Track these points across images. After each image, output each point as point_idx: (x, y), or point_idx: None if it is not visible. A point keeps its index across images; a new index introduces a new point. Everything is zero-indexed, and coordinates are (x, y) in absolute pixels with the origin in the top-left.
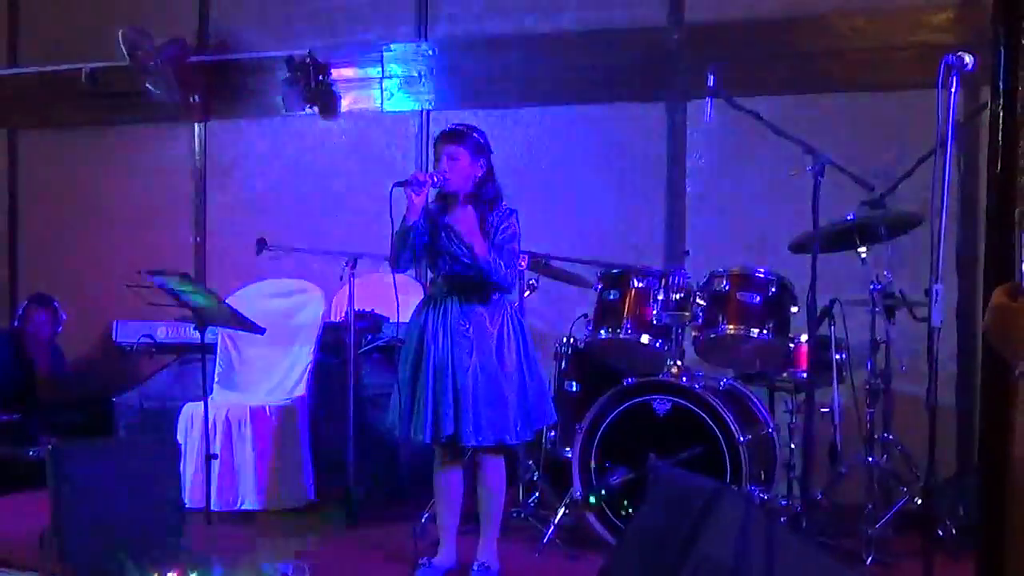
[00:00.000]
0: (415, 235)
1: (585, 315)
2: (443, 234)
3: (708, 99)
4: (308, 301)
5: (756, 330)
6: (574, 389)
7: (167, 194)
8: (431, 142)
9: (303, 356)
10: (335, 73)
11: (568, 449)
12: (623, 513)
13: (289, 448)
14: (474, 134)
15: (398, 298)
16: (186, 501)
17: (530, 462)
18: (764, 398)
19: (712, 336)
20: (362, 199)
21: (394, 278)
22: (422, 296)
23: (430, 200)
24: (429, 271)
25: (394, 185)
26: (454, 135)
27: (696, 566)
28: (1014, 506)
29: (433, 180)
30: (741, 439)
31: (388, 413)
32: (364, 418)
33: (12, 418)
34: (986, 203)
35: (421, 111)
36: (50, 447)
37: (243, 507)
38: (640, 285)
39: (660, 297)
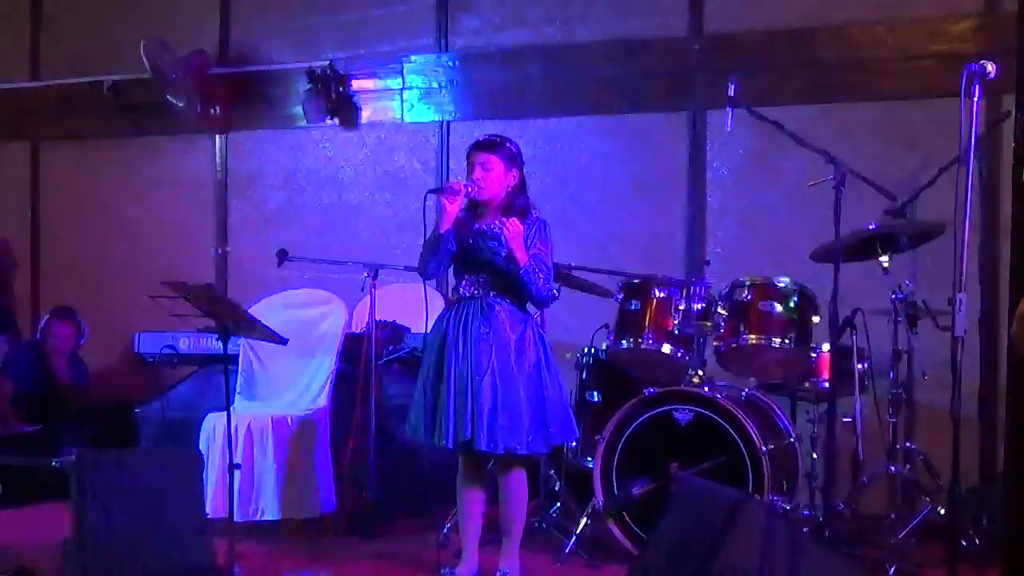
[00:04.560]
0: (445, 243)
1: (606, 325)
2: (471, 241)
3: (728, 109)
4: (330, 312)
5: (778, 340)
6: (595, 399)
7: (189, 206)
8: (451, 153)
9: (325, 366)
10: (356, 84)
11: (590, 459)
12: (645, 523)
13: (310, 458)
14: (508, 144)
15: (427, 307)
16: (208, 511)
17: (552, 472)
18: (786, 408)
19: (734, 346)
20: (383, 210)
21: (424, 287)
22: (444, 306)
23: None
24: (452, 279)
25: (428, 192)
26: (488, 144)
27: None
28: None
29: (467, 190)
30: (763, 449)
31: (408, 420)
32: (385, 428)
33: (35, 429)
34: (1010, 211)
35: (441, 122)
36: (73, 457)
37: (264, 517)
38: (661, 295)
39: (681, 307)
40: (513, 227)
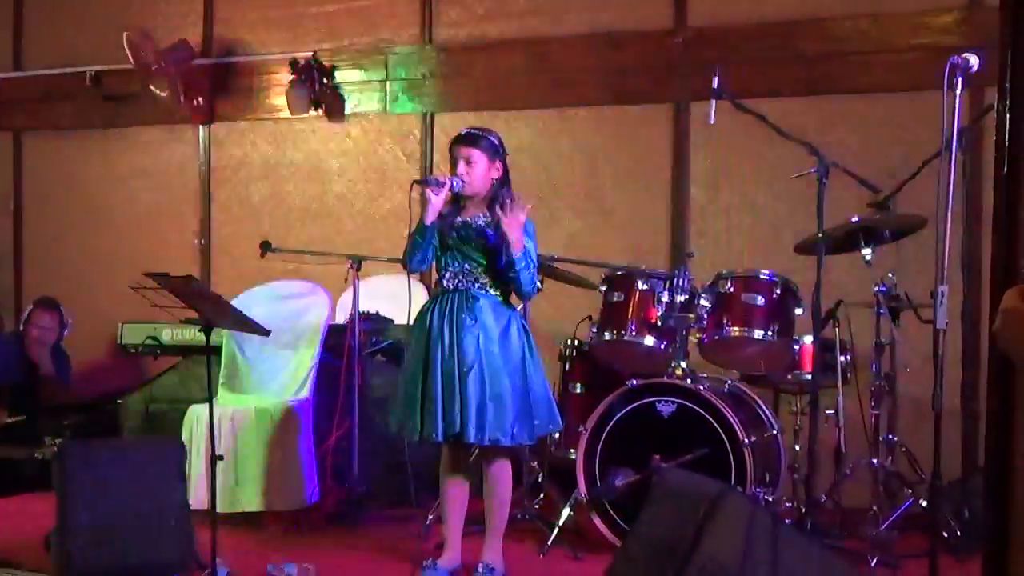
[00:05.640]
0: (430, 236)
1: (590, 317)
2: (456, 233)
3: (712, 101)
4: (313, 303)
5: (761, 332)
6: (578, 391)
7: (172, 196)
8: (435, 144)
9: (308, 358)
10: (340, 76)
11: (573, 451)
12: (628, 515)
13: (294, 450)
14: (490, 137)
15: (411, 299)
16: (191, 502)
17: (535, 464)
18: (769, 400)
19: (717, 338)
20: (366, 201)
21: (408, 279)
22: (427, 298)
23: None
24: (435, 271)
25: (414, 182)
26: (470, 139)
27: (701, 567)
28: (1019, 509)
29: (452, 183)
30: (746, 441)
31: (392, 413)
32: (369, 420)
33: (17, 420)
34: (992, 205)
35: (425, 114)
36: (56, 448)
37: (247, 509)
38: (645, 287)
39: (665, 299)
40: (514, 227)
